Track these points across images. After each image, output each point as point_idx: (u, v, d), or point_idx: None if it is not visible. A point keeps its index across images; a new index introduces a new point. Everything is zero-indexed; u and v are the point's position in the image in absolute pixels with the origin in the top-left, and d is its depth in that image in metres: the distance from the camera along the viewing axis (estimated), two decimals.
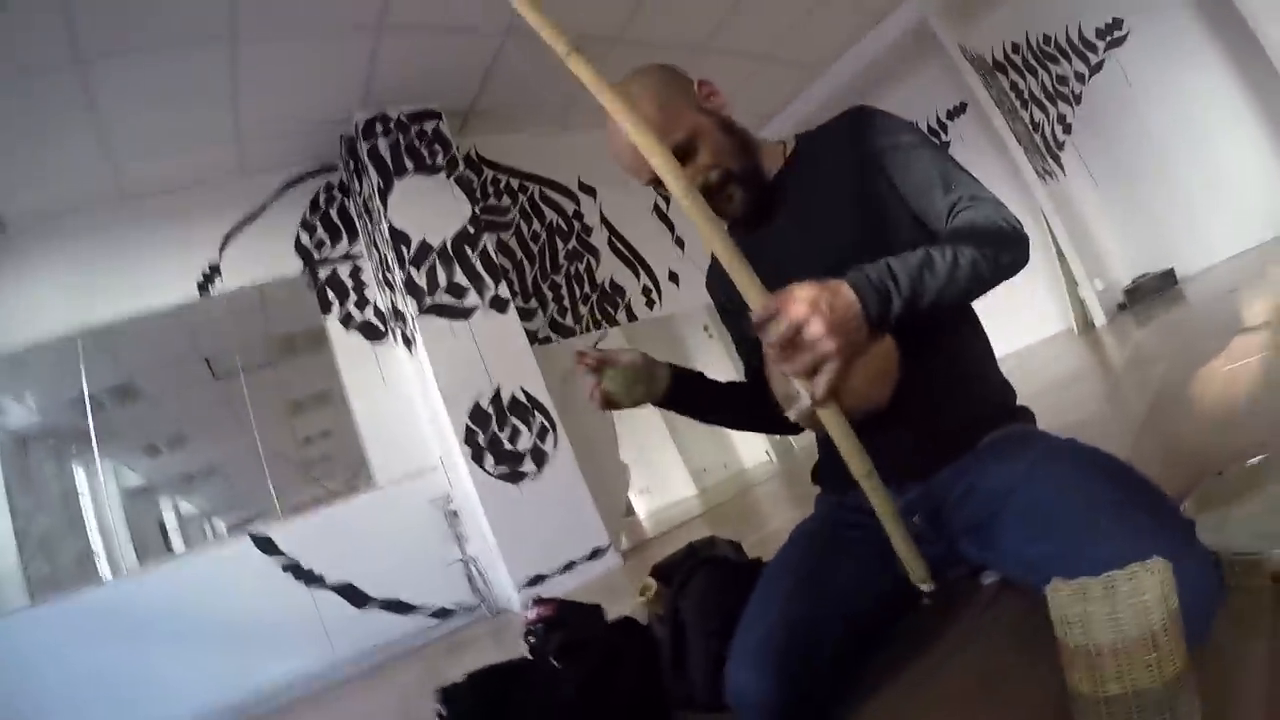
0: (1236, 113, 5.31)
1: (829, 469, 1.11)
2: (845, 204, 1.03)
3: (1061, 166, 6.15)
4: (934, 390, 0.99)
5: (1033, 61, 6.11)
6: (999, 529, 0.87)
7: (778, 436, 6.78)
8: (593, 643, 1.33)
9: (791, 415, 0.81)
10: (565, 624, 1.40)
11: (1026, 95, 6.19)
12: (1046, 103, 6.12)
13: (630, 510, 8.72)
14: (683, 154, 1.00)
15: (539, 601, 1.46)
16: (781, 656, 0.86)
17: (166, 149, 3.99)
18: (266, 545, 4.03)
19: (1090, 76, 5.87)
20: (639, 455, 8.49)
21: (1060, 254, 5.66)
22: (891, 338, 0.85)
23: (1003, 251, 0.90)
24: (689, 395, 1.18)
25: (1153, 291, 5.60)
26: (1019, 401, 1.08)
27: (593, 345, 1.11)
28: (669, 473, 8.83)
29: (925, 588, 0.82)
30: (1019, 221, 0.94)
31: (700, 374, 1.20)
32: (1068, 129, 6.08)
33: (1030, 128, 6.18)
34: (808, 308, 0.73)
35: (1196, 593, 0.65)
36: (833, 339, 0.73)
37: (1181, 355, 2.84)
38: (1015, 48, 6.16)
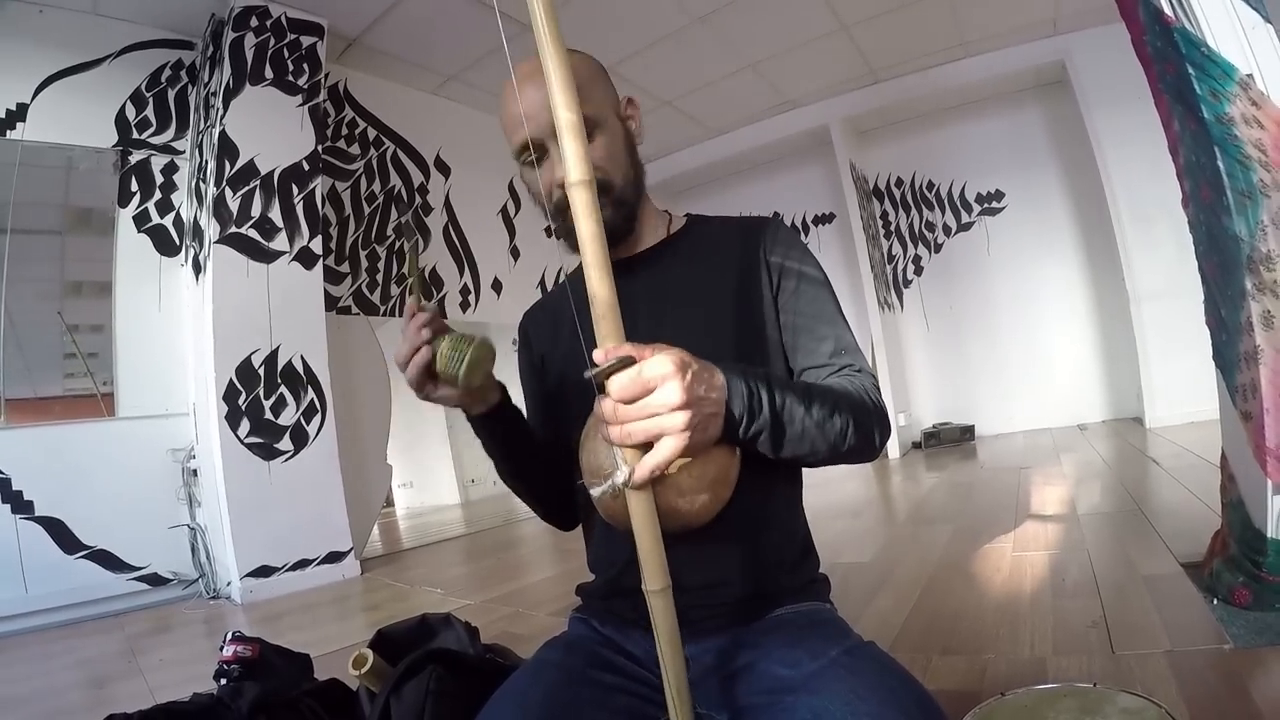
0: (1074, 309, 5.93)
1: (605, 592, 0.96)
2: (726, 299, 0.93)
3: (902, 302, 6.57)
4: (750, 539, 0.88)
5: (910, 200, 6.51)
6: None
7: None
8: (293, 705, 1.17)
9: (595, 493, 0.65)
10: (265, 673, 1.25)
11: (893, 228, 6.56)
12: (909, 241, 6.53)
13: (390, 501, 8.27)
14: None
15: (239, 638, 1.28)
16: None
17: None
18: None
19: (956, 232, 6.35)
20: (410, 444, 8.05)
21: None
22: (739, 454, 0.74)
23: (873, 433, 0.83)
24: (513, 421, 0.97)
25: (950, 440, 6.04)
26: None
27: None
28: (437, 472, 8.43)
29: None
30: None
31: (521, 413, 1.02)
32: (919, 270, 6.50)
33: (886, 257, 6.56)
34: (673, 368, 0.61)
35: None
36: (685, 413, 0.61)
37: (969, 524, 2.95)
38: (899, 182, 6.55)
